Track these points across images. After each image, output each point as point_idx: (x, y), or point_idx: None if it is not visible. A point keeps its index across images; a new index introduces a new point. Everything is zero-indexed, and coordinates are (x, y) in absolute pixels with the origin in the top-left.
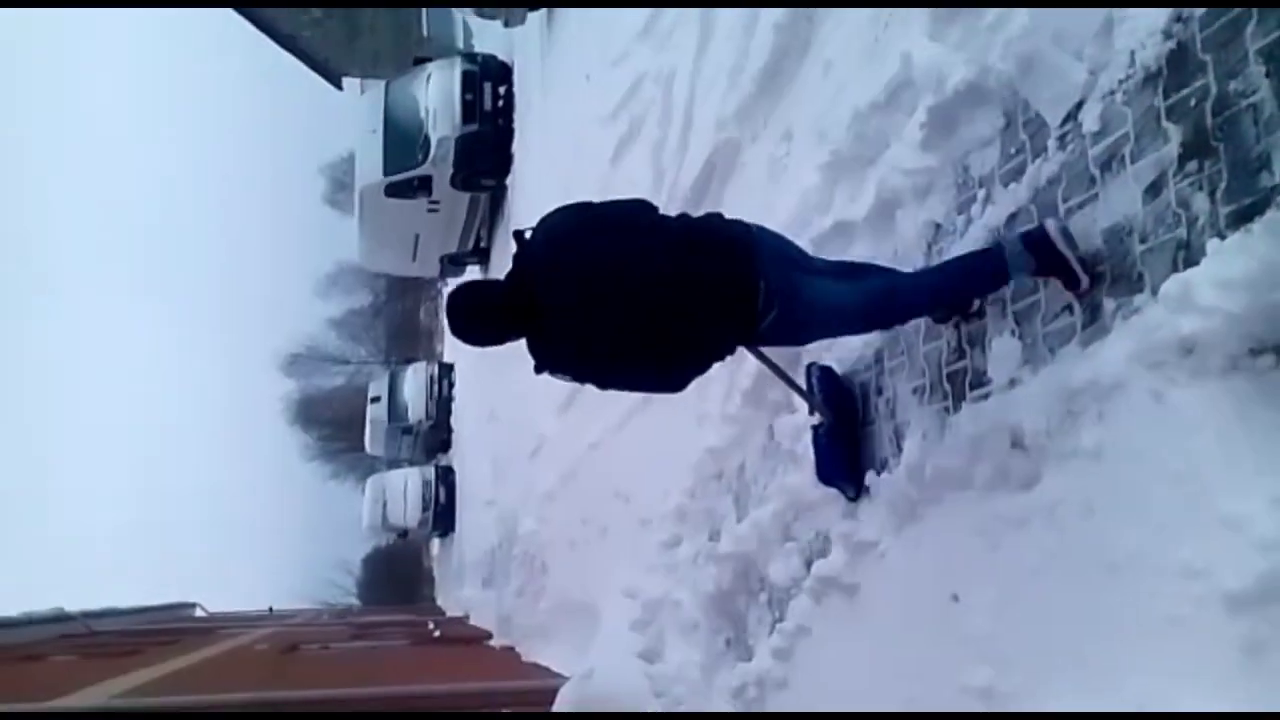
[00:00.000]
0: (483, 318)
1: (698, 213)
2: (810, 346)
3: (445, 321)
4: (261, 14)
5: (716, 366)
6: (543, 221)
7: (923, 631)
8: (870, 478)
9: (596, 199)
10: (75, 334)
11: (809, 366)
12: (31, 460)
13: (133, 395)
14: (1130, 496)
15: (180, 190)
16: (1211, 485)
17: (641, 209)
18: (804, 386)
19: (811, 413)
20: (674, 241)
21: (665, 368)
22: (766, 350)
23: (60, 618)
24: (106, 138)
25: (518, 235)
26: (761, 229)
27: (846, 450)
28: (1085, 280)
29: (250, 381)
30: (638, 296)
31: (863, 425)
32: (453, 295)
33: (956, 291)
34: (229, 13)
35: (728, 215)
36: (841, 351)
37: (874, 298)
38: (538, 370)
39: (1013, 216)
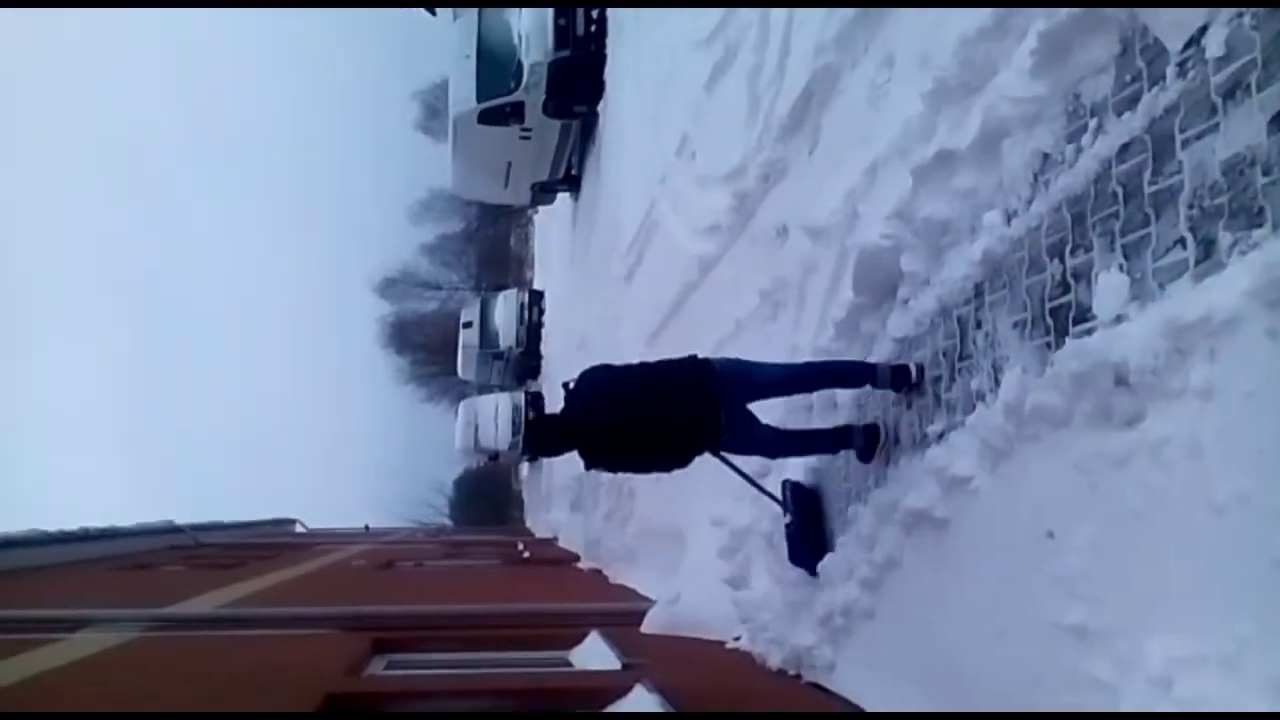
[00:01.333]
0: (550, 440)
1: (795, 141)
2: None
3: (526, 445)
4: None
5: (810, 299)
6: (580, 379)
7: (1014, 568)
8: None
9: (689, 130)
10: (183, 256)
11: (784, 482)
12: (145, 383)
13: (232, 315)
14: (1240, 437)
15: (279, 116)
16: None
17: (638, 370)
18: (778, 496)
19: (784, 514)
20: (663, 393)
21: (664, 467)
22: (737, 460)
23: (169, 529)
24: (204, 64)
25: (565, 386)
26: (723, 364)
27: (810, 541)
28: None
29: (347, 308)
30: (640, 431)
31: (823, 523)
32: (530, 426)
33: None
34: None
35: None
36: (941, 288)
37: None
38: (587, 468)
39: (1125, 147)
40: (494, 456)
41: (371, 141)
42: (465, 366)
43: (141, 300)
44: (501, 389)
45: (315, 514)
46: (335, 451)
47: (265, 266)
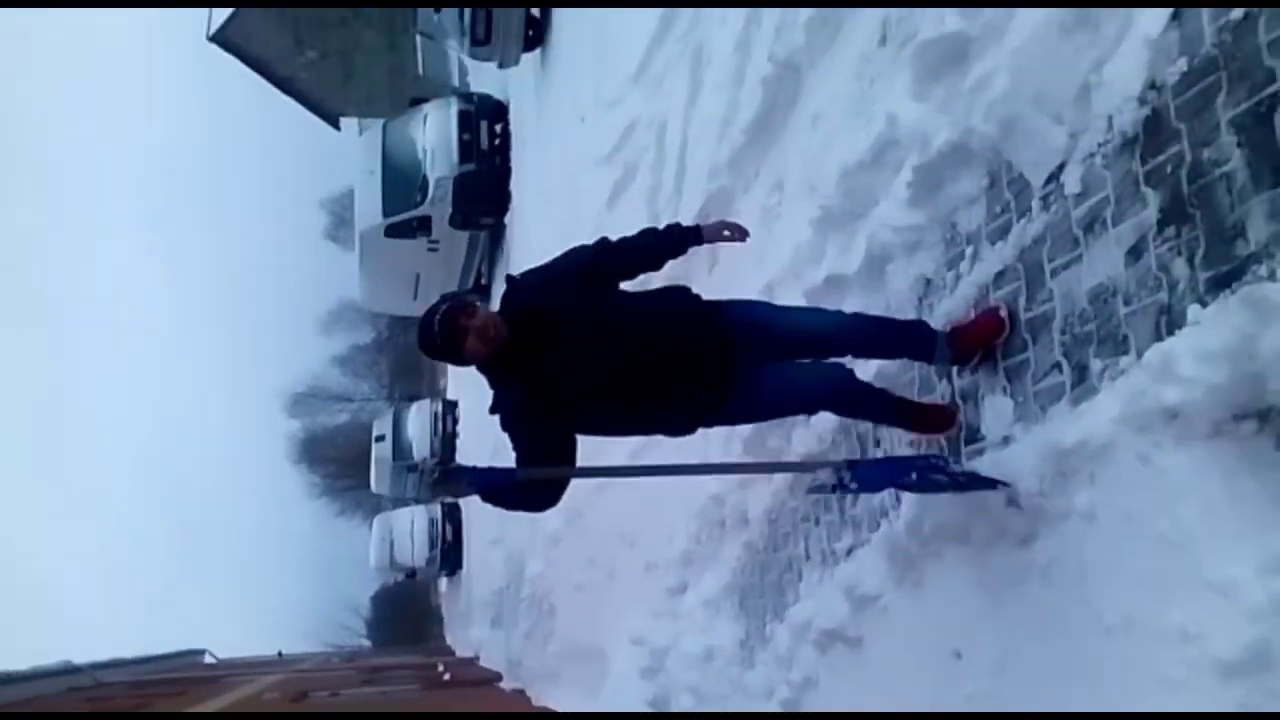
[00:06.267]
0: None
1: (694, 259)
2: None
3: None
4: (256, 57)
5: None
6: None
7: (927, 687)
8: None
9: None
10: (82, 379)
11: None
12: (42, 514)
13: (135, 437)
14: (1122, 559)
15: (182, 225)
16: (1199, 550)
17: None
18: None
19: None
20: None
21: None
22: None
23: (68, 670)
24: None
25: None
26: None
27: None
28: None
29: (254, 421)
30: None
31: None
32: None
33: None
34: (224, 54)
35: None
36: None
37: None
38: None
39: (1000, 274)
40: (411, 573)
41: (278, 251)
42: (379, 480)
43: (47, 410)
44: (417, 502)
45: (227, 640)
46: (246, 574)
47: (166, 385)
